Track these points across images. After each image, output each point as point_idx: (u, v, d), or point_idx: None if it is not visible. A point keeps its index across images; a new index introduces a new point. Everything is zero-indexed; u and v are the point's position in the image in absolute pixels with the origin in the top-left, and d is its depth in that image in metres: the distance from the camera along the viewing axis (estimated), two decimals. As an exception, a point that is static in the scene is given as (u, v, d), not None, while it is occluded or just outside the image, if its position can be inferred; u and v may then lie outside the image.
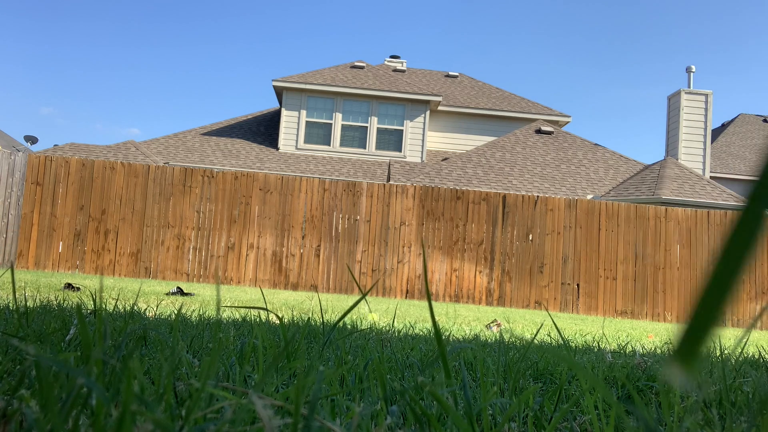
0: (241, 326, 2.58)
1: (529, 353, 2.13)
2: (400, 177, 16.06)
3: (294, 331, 2.29)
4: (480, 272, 11.40)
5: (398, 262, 11.34)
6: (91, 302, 3.65)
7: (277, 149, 18.81)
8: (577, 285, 11.46)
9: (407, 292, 11.30)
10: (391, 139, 18.80)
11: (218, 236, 11.20)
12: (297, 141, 18.70)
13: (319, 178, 11.72)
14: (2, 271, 9.18)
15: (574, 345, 3.09)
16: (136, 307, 2.84)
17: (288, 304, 5.94)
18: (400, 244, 11.36)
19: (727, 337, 5.95)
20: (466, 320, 5.61)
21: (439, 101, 19.13)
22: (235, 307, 1.69)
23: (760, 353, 2.76)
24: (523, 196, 11.61)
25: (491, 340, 3.07)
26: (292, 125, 18.73)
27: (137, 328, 1.90)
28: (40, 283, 5.96)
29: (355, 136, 18.76)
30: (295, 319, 3.16)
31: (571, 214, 11.57)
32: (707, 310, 0.31)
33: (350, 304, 6.95)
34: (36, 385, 0.95)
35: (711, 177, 21.09)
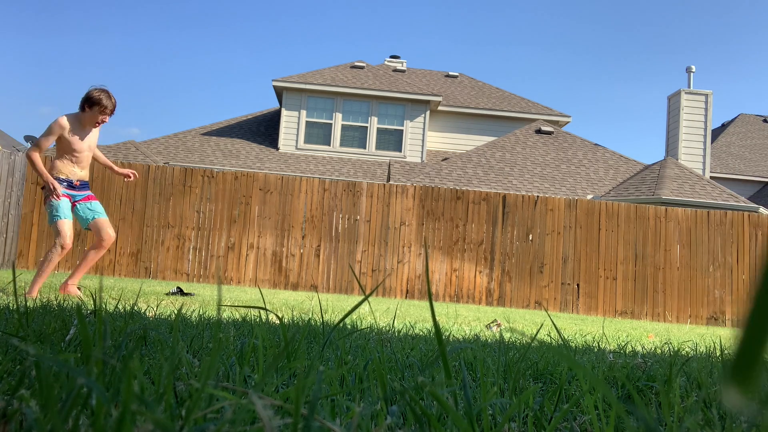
0: (241, 326, 2.58)
1: (529, 353, 2.13)
2: (400, 177, 16.06)
3: (294, 331, 2.29)
4: (480, 272, 11.40)
5: (398, 262, 11.34)
6: (91, 302, 3.65)
7: (277, 149, 18.81)
8: (577, 285, 11.46)
9: (407, 292, 11.30)
10: (391, 139, 18.80)
11: (218, 236, 11.20)
12: (297, 141, 18.70)
13: (319, 178, 11.72)
14: (2, 271, 9.17)
15: (574, 345, 3.09)
16: (136, 307, 2.84)
17: (288, 304, 5.94)
18: (400, 244, 11.36)
19: (726, 337, 5.95)
20: (466, 320, 5.61)
21: (439, 101, 19.13)
22: (235, 306, 1.69)
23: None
24: (523, 196, 11.61)
25: (491, 340, 3.07)
26: (292, 125, 18.73)
27: (137, 328, 1.90)
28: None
29: (355, 136, 18.76)
30: (295, 319, 3.16)
31: (571, 214, 11.57)
32: (758, 330, 0.31)
33: (350, 304, 6.95)
34: (36, 385, 0.95)
35: (711, 177, 21.09)
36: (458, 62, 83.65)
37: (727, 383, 0.31)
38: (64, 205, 5.10)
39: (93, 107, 5.12)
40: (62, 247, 5.00)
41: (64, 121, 5.13)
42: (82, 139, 5.20)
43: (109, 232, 5.23)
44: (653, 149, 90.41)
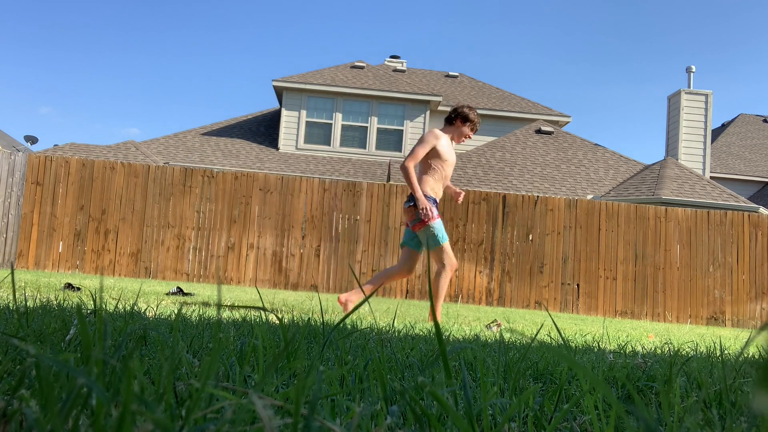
0: (241, 326, 2.58)
1: (529, 353, 2.13)
2: (400, 177, 16.06)
3: (294, 331, 2.29)
4: (480, 272, 11.40)
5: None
6: (92, 302, 3.65)
7: (277, 149, 18.81)
8: (577, 285, 11.46)
9: (407, 292, 11.30)
10: (391, 139, 18.80)
11: (218, 236, 11.20)
12: (297, 141, 18.70)
13: (319, 178, 11.72)
14: (2, 271, 9.17)
15: (574, 345, 3.09)
16: (136, 307, 2.84)
17: (288, 304, 5.94)
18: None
19: (726, 337, 5.95)
20: (466, 320, 5.61)
21: (439, 101, 19.13)
22: (235, 307, 1.70)
23: (760, 353, 2.76)
24: (523, 196, 11.61)
25: (491, 340, 3.07)
26: (292, 125, 18.73)
27: (137, 328, 1.90)
28: (40, 283, 5.96)
29: (355, 136, 18.77)
30: (295, 319, 3.16)
31: (571, 214, 11.57)
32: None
33: (350, 304, 6.94)
34: (36, 385, 0.96)
35: (711, 177, 21.09)
36: (458, 62, 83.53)
37: (760, 388, 0.31)
38: (441, 225, 4.99)
39: (466, 123, 5.11)
40: (452, 268, 4.98)
41: (440, 133, 5.04)
42: (451, 154, 5.09)
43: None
44: (653, 149, 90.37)
